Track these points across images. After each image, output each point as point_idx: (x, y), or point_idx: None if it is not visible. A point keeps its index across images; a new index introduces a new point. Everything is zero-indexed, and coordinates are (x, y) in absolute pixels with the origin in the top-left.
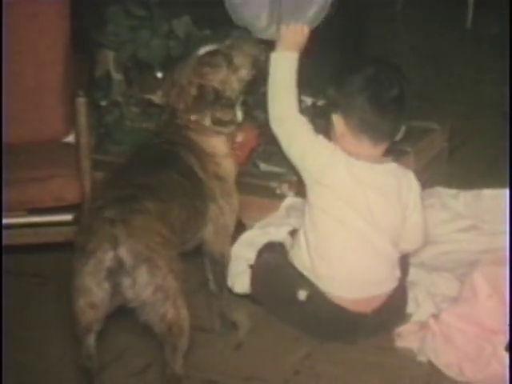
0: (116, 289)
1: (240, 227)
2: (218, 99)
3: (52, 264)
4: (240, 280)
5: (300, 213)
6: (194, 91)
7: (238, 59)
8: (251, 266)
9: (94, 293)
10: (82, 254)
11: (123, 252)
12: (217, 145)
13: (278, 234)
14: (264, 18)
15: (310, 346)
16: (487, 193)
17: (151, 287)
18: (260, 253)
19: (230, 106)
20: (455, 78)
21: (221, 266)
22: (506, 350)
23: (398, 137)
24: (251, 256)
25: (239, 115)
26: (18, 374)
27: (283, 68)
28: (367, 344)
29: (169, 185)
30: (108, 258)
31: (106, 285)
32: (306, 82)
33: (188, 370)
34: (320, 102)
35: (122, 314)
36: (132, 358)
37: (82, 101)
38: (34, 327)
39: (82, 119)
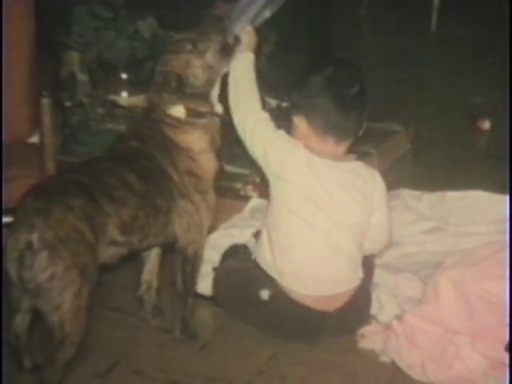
0: (21, 268)
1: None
2: (182, 86)
3: None
4: (204, 282)
5: (264, 214)
6: (158, 79)
7: (202, 44)
8: (215, 269)
9: (10, 270)
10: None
11: (34, 237)
12: (193, 139)
13: (242, 236)
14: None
15: (274, 347)
16: (451, 195)
17: (47, 273)
18: (224, 256)
19: (203, 96)
20: (420, 81)
21: (192, 265)
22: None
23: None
24: (215, 258)
25: (219, 107)
26: None
27: (242, 67)
28: (331, 345)
29: (118, 187)
30: (22, 239)
31: (18, 264)
32: (270, 84)
33: (152, 370)
34: (284, 104)
35: None
36: (97, 358)
37: (46, 101)
38: None
39: (47, 120)
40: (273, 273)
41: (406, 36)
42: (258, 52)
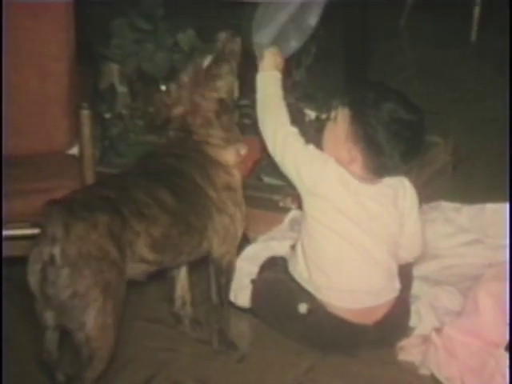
0: (44, 284)
1: (243, 241)
2: (227, 110)
3: None
4: (243, 293)
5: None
6: (214, 106)
7: (234, 63)
8: (253, 281)
9: (30, 283)
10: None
11: (57, 251)
12: (229, 155)
13: (281, 248)
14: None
15: (312, 359)
16: (490, 207)
17: (69, 290)
18: (262, 268)
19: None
20: (459, 93)
21: (226, 276)
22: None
23: None
24: (254, 270)
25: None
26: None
27: (269, 85)
28: (369, 357)
29: (150, 204)
30: (45, 251)
31: (40, 276)
32: (309, 96)
33: (191, 382)
34: (323, 116)
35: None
36: (135, 369)
37: (86, 113)
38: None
39: (86, 131)
40: (309, 287)
41: (445, 47)
42: (283, 72)
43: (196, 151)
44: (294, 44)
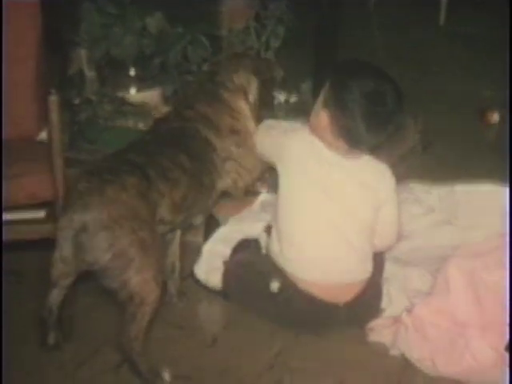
0: (80, 250)
1: (214, 223)
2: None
3: (27, 262)
4: (215, 276)
5: (274, 208)
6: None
7: None
8: (225, 263)
9: (63, 248)
10: (61, 211)
11: (88, 217)
12: (242, 102)
13: (253, 229)
14: None
15: (284, 341)
16: (460, 188)
17: (109, 254)
18: (235, 250)
19: None
20: (430, 76)
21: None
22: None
23: None
24: (226, 252)
25: None
26: None
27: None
28: (341, 338)
29: (172, 168)
30: (76, 219)
31: (72, 243)
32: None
33: (163, 365)
34: (293, 99)
35: (98, 312)
36: (107, 354)
37: (54, 99)
38: (10, 324)
39: (55, 117)
40: (280, 261)
41: (414, 31)
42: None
43: (211, 94)
44: None
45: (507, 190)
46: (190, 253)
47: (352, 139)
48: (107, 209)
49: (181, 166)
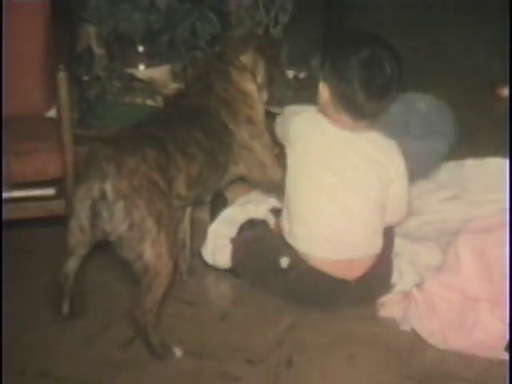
0: (97, 219)
1: (223, 202)
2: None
3: (36, 238)
4: (222, 254)
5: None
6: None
7: None
8: (233, 240)
9: (80, 216)
10: (77, 181)
11: (108, 186)
12: (251, 84)
13: (258, 211)
14: None
15: (293, 317)
16: (469, 163)
17: (126, 224)
18: (241, 229)
19: None
20: (438, 48)
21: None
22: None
23: None
24: (232, 233)
25: None
26: (5, 347)
27: None
28: (351, 314)
29: (189, 143)
30: (95, 188)
31: (90, 212)
32: (288, 55)
33: (173, 341)
34: (302, 75)
35: (109, 288)
36: (117, 330)
37: (63, 75)
38: (21, 301)
39: (64, 94)
40: (290, 240)
41: (421, 3)
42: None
43: (223, 74)
44: None
45: None
46: (197, 230)
47: (352, 109)
48: (127, 178)
49: (198, 142)
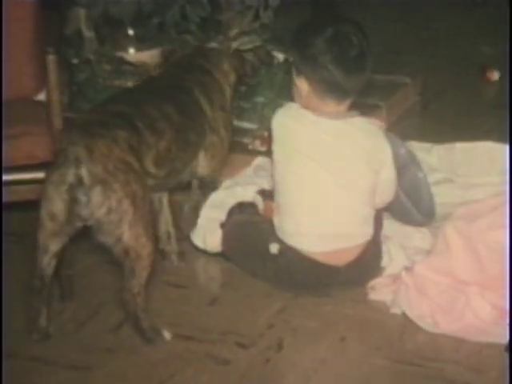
0: (74, 205)
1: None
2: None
3: (26, 222)
4: (212, 238)
5: (268, 172)
6: None
7: None
8: (222, 225)
9: (54, 203)
10: (50, 167)
11: (83, 171)
12: (226, 87)
13: (246, 193)
14: None
15: (284, 300)
16: (460, 146)
17: (104, 208)
18: (230, 212)
19: None
20: (428, 32)
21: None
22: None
23: None
24: (222, 217)
25: None
26: None
27: None
28: (341, 297)
29: (159, 118)
30: (70, 173)
31: (66, 197)
32: (277, 38)
33: (162, 325)
34: (291, 58)
35: (97, 272)
36: (107, 314)
37: (52, 58)
38: (11, 286)
39: (53, 77)
40: (280, 234)
41: None
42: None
43: (201, 68)
44: None
45: (507, 147)
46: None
47: (334, 89)
48: (101, 163)
49: (168, 117)
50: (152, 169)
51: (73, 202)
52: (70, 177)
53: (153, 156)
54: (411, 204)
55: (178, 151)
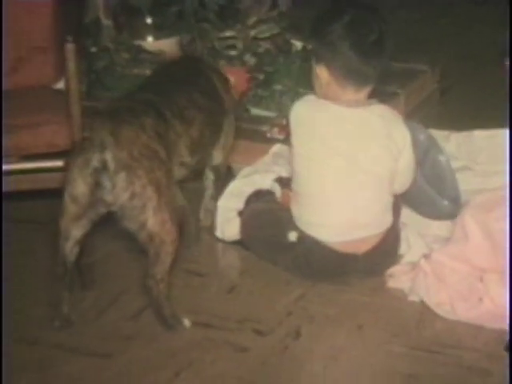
0: (97, 190)
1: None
2: None
3: (46, 210)
4: (230, 227)
5: (286, 160)
6: None
7: None
8: (240, 213)
9: (77, 185)
10: (75, 151)
11: (108, 156)
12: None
13: (264, 181)
14: None
15: (302, 288)
16: (479, 134)
17: (128, 193)
18: (248, 200)
19: None
20: (447, 20)
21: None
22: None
23: None
24: (240, 206)
25: None
26: (15, 319)
27: None
28: (359, 285)
29: (188, 106)
30: (95, 157)
31: (90, 180)
32: (295, 26)
33: (182, 312)
34: (310, 46)
35: (117, 259)
36: (127, 301)
37: (71, 46)
38: (33, 273)
39: (72, 65)
40: (300, 225)
41: None
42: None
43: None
44: None
45: None
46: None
47: (355, 75)
48: (126, 148)
49: (196, 103)
50: (187, 157)
51: (96, 186)
52: (95, 161)
53: (186, 144)
54: (435, 192)
55: (211, 135)
